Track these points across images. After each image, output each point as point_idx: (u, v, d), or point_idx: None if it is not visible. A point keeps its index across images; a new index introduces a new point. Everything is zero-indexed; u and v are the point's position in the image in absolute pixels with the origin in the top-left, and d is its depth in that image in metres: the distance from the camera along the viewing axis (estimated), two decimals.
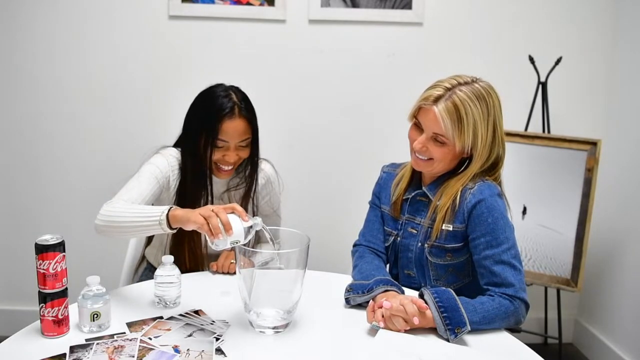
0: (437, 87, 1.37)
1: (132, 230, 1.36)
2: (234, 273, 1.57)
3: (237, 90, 1.63)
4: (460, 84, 1.37)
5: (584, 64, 2.48)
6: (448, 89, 1.36)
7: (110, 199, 1.47)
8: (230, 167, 1.63)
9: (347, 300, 1.37)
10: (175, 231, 1.32)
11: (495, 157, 1.43)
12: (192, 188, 1.63)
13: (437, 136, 1.38)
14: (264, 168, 1.77)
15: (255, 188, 1.71)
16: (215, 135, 1.56)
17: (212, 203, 1.64)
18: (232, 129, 1.57)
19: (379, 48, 2.45)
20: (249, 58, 2.42)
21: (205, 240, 1.65)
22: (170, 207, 1.32)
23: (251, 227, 1.25)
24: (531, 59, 2.34)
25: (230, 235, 1.21)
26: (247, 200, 1.70)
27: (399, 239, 1.53)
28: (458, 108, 1.34)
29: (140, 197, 1.50)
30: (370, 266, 1.47)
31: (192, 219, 1.24)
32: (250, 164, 1.68)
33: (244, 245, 1.23)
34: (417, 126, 1.43)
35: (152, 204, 1.56)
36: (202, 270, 1.70)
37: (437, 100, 1.35)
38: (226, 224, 1.21)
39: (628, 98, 2.39)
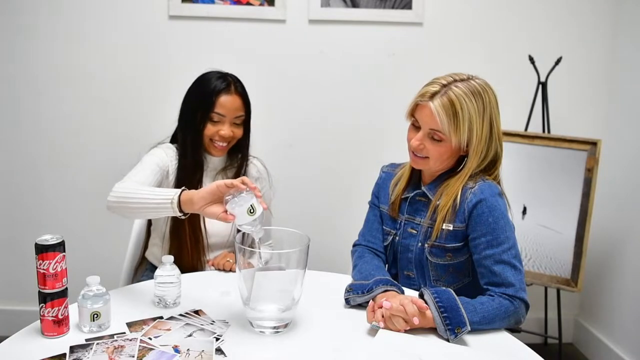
0: (434, 84, 1.39)
1: (143, 209, 1.38)
2: (229, 271, 1.57)
3: (231, 74, 1.74)
4: (456, 80, 1.38)
5: (584, 64, 2.48)
6: (444, 86, 1.37)
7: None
8: (225, 144, 1.70)
9: (347, 301, 1.37)
10: (184, 216, 1.32)
11: (493, 154, 1.43)
12: (189, 166, 1.69)
13: (434, 133, 1.39)
14: (257, 164, 1.84)
15: (246, 167, 1.78)
16: (211, 109, 1.66)
17: (204, 183, 1.73)
18: (229, 102, 1.67)
19: (379, 48, 2.45)
20: (249, 58, 2.42)
21: (206, 237, 1.66)
22: (183, 189, 1.32)
23: (256, 219, 1.23)
24: (531, 59, 2.34)
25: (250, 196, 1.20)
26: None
27: (397, 238, 1.53)
28: (454, 103, 1.35)
29: (146, 180, 1.57)
30: (370, 266, 1.47)
31: (210, 185, 1.25)
32: (244, 146, 1.77)
33: (242, 245, 1.23)
34: (415, 126, 1.44)
35: None
36: (202, 268, 1.70)
37: (433, 96, 1.37)
38: (249, 183, 1.22)
39: (628, 98, 2.39)
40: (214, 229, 1.71)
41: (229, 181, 1.24)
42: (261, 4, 2.37)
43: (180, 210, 1.30)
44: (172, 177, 1.70)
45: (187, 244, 1.68)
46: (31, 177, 2.48)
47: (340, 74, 2.46)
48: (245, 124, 1.74)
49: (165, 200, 1.31)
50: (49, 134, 2.44)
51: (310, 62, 2.45)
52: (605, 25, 2.46)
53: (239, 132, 1.72)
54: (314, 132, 2.51)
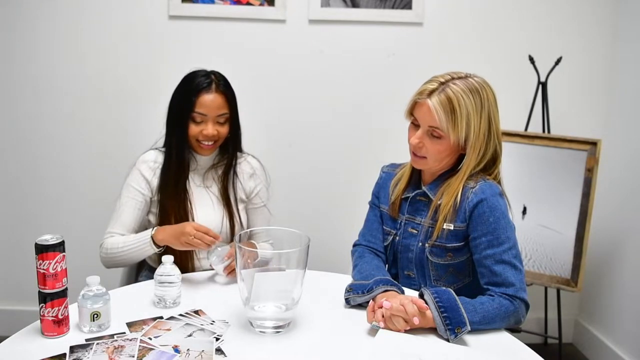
0: (432, 82, 1.40)
1: (131, 257, 1.61)
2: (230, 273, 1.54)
3: (217, 72, 1.72)
4: (454, 78, 1.39)
5: (584, 64, 2.48)
6: (442, 83, 1.38)
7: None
8: (210, 143, 1.69)
9: (347, 301, 1.37)
10: (160, 250, 1.57)
11: (492, 153, 1.43)
12: (173, 167, 1.69)
13: (433, 130, 1.39)
14: (250, 161, 1.82)
15: (234, 168, 1.77)
16: (192, 109, 1.65)
17: (193, 181, 1.74)
18: (209, 101, 1.65)
19: (379, 48, 2.45)
20: (249, 58, 2.42)
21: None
22: (153, 230, 1.57)
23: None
24: (531, 59, 2.34)
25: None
26: (226, 178, 1.76)
27: (397, 238, 1.53)
28: (451, 100, 1.36)
29: (123, 227, 1.66)
30: (370, 266, 1.47)
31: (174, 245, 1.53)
32: (232, 143, 1.76)
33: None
34: (415, 125, 1.45)
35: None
36: (193, 267, 1.69)
37: (431, 93, 1.38)
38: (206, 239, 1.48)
39: (628, 98, 2.39)
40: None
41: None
42: (261, 4, 2.37)
43: (157, 246, 1.56)
44: (156, 181, 1.70)
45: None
46: (31, 177, 2.48)
47: (340, 74, 2.46)
48: (233, 121, 1.72)
49: (145, 245, 1.57)
50: (49, 134, 2.44)
51: (310, 62, 2.45)
52: (605, 25, 2.46)
53: (223, 130, 1.70)
54: (313, 132, 2.51)
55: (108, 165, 2.44)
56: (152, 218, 1.71)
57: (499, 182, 1.47)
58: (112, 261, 1.63)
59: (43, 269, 1.16)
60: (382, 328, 1.23)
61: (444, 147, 1.41)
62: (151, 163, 1.72)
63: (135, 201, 1.68)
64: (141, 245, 1.57)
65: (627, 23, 2.40)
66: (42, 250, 1.15)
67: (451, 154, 1.43)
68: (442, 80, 1.39)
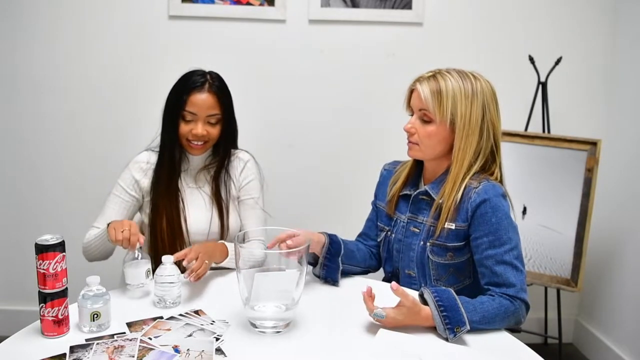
0: (429, 72, 1.46)
1: (99, 248, 1.61)
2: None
3: (214, 73, 1.71)
4: (449, 70, 1.44)
5: (584, 64, 2.48)
6: (437, 72, 1.44)
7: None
8: (200, 143, 1.67)
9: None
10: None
11: (489, 148, 1.43)
12: (165, 166, 1.69)
13: (423, 114, 1.43)
14: (242, 156, 1.79)
15: (226, 167, 1.75)
16: (183, 107, 1.64)
17: (185, 182, 1.73)
18: (200, 101, 1.64)
19: (379, 48, 2.45)
20: (249, 58, 2.42)
21: (187, 234, 1.70)
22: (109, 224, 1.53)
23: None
24: (531, 59, 2.34)
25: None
26: (218, 178, 1.74)
27: (391, 235, 1.55)
28: (438, 82, 1.41)
29: (106, 222, 1.62)
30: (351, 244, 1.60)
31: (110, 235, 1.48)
32: (224, 144, 1.74)
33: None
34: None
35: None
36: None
37: (423, 80, 1.43)
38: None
39: (628, 98, 2.39)
40: (192, 226, 1.69)
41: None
42: (261, 4, 2.37)
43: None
44: (147, 182, 1.70)
45: (166, 242, 1.67)
46: (31, 177, 2.48)
47: (340, 74, 2.46)
48: (225, 123, 1.70)
49: (103, 232, 1.55)
50: (49, 134, 2.44)
51: (310, 62, 2.45)
52: (605, 25, 2.46)
53: (214, 131, 1.67)
54: (313, 132, 2.51)
55: (108, 165, 2.43)
56: (146, 219, 1.71)
57: (502, 183, 1.47)
58: (87, 252, 1.66)
59: (43, 269, 1.16)
60: (385, 317, 1.21)
61: (435, 131, 1.42)
62: (143, 164, 1.72)
63: (121, 200, 1.69)
64: (103, 234, 1.56)
65: (627, 23, 2.39)
66: (42, 250, 1.15)
67: (443, 140, 1.43)
68: (438, 70, 1.44)
